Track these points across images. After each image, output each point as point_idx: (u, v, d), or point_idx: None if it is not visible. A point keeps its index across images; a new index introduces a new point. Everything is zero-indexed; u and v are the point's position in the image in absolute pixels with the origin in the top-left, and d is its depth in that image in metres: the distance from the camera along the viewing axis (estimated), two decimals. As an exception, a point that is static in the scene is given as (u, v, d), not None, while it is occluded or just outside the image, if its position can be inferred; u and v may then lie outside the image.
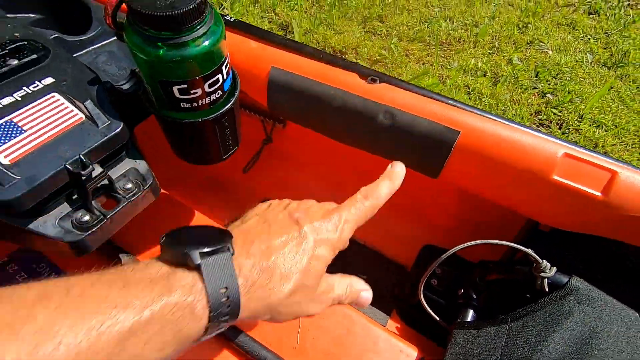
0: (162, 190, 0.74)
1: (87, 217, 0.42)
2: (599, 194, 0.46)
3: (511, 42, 1.67)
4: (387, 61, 1.59)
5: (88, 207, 0.43)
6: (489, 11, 1.84)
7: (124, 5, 0.40)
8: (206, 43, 0.40)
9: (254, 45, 0.61)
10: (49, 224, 0.40)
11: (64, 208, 0.42)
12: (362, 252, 0.79)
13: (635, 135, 1.28)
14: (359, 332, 0.55)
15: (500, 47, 1.65)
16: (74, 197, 0.43)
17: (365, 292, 0.38)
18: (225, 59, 0.45)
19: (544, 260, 0.49)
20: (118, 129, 0.43)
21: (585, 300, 0.46)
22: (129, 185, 0.46)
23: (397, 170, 0.41)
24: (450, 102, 0.54)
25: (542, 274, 0.48)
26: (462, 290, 0.59)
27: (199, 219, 0.70)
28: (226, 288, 0.28)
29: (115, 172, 0.46)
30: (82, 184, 0.41)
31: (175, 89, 0.42)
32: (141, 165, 0.48)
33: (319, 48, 1.64)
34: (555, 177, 0.47)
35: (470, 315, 0.56)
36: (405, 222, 0.81)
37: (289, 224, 0.35)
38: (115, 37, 0.61)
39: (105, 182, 0.44)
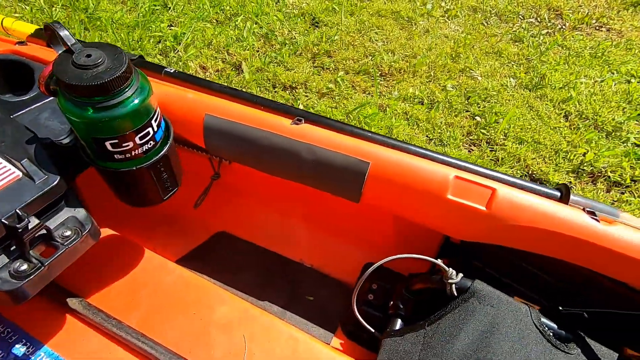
0: (112, 232, 0.77)
1: (24, 267, 0.45)
2: (484, 208, 0.55)
3: (446, 71, 1.85)
4: (335, 93, 1.71)
5: (25, 256, 0.45)
6: (426, 43, 2.04)
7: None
8: (135, 102, 0.46)
9: (190, 95, 0.68)
10: (-14, 275, 0.43)
11: (2, 259, 0.45)
12: (310, 274, 0.84)
13: (552, 148, 1.45)
14: (303, 352, 0.59)
15: (435, 75, 1.82)
16: (11, 249, 0.46)
17: None
18: (155, 112, 0.51)
19: (450, 268, 0.56)
20: (54, 183, 0.47)
21: (485, 300, 0.54)
22: (68, 233, 0.49)
23: None
24: (364, 134, 0.63)
25: (450, 281, 0.56)
26: (392, 302, 0.65)
27: (148, 256, 0.72)
28: None
29: (54, 222, 0.49)
30: (19, 236, 0.44)
31: (107, 143, 0.48)
32: (80, 213, 0.52)
33: (269, 85, 1.74)
34: (449, 197, 0.56)
35: (398, 324, 0.62)
36: (348, 244, 0.87)
37: None
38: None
39: (43, 231, 0.47)
